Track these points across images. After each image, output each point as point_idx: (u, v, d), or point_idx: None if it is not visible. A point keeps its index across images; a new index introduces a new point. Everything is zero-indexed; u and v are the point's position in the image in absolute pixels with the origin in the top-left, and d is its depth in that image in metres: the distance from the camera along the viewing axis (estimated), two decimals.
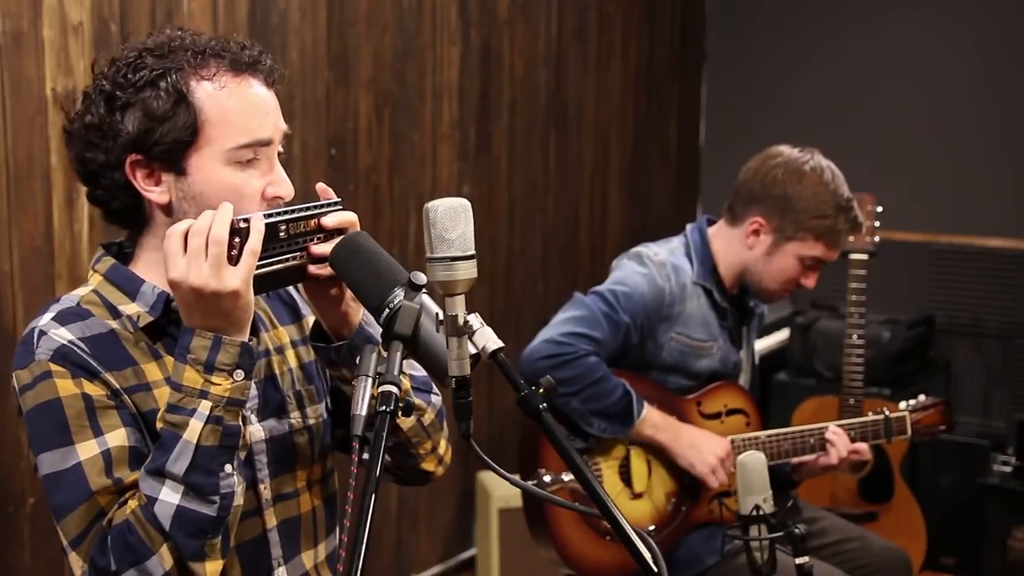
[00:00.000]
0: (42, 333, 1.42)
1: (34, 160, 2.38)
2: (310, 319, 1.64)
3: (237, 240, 1.34)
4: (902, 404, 2.70)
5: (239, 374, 1.37)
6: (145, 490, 1.35)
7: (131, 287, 1.48)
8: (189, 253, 1.33)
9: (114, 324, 1.45)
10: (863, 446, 2.57)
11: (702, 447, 2.43)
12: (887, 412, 2.65)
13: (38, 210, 2.41)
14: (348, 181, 3.22)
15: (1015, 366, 4.21)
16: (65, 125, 1.49)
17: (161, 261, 1.44)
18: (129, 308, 1.46)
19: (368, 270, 1.35)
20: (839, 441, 2.51)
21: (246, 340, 1.38)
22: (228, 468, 1.37)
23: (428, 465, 1.63)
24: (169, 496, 1.33)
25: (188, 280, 1.32)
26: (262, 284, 1.39)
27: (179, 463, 1.33)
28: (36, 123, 2.37)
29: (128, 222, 1.51)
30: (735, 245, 2.53)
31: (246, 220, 1.35)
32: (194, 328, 1.36)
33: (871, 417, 2.64)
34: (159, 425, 1.37)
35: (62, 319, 1.44)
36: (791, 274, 2.50)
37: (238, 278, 1.33)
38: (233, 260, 1.33)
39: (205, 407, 1.34)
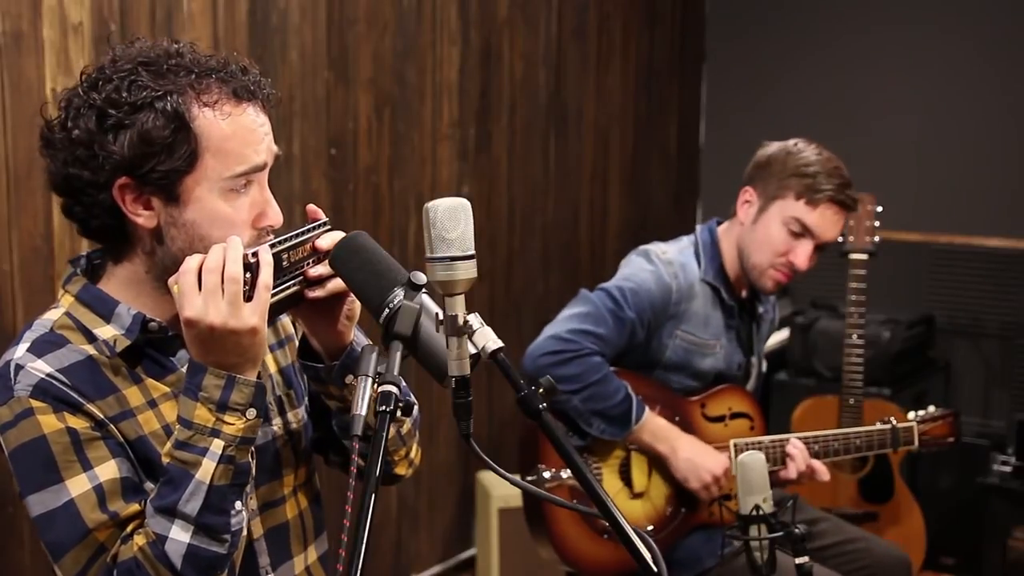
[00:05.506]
0: (19, 367, 1.37)
1: (34, 160, 2.38)
2: (285, 322, 1.64)
3: (248, 275, 1.32)
4: (911, 414, 2.67)
5: (251, 413, 1.35)
6: (154, 528, 1.32)
7: (105, 309, 1.43)
8: (205, 291, 1.30)
9: (90, 349, 1.41)
10: (820, 466, 2.47)
11: (698, 463, 2.41)
12: (894, 422, 2.61)
13: (38, 210, 2.41)
14: (348, 181, 3.22)
15: (1015, 366, 4.21)
16: (43, 131, 1.42)
17: (141, 283, 1.44)
18: (104, 331, 1.42)
19: (368, 270, 1.35)
20: (799, 455, 2.45)
21: (259, 379, 1.36)
22: (238, 505, 1.36)
23: (400, 469, 1.64)
24: (180, 535, 1.31)
25: (207, 318, 1.30)
26: (269, 315, 1.38)
27: (192, 503, 1.31)
28: (36, 123, 2.33)
29: (105, 240, 1.46)
30: (735, 233, 2.53)
31: (255, 254, 1.34)
32: (207, 366, 1.33)
33: (878, 427, 2.61)
34: (166, 460, 1.34)
35: (38, 350, 1.39)
36: (776, 241, 2.43)
37: (256, 314, 1.32)
38: (246, 296, 1.32)
39: (218, 446, 1.32)
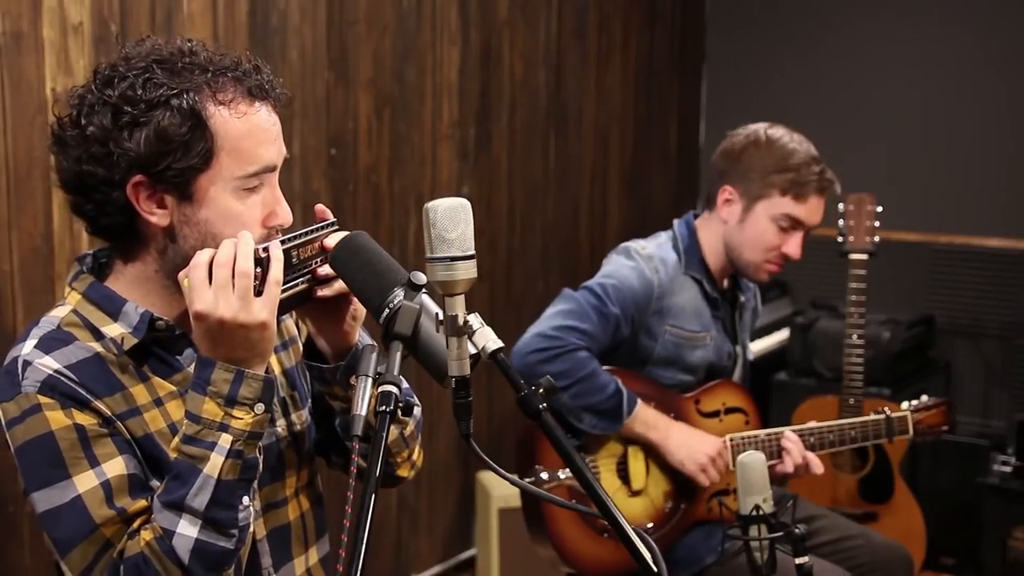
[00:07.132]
0: (27, 363, 1.37)
1: (34, 160, 2.38)
2: (288, 324, 1.64)
3: (258, 270, 1.33)
4: (904, 404, 2.68)
5: (260, 407, 1.35)
6: (162, 522, 1.32)
7: (112, 307, 1.43)
8: (215, 285, 1.31)
9: (98, 347, 1.41)
10: (814, 458, 2.47)
11: (693, 446, 2.43)
12: (888, 412, 2.63)
13: (38, 210, 2.41)
14: (348, 181, 3.22)
15: (1015, 366, 4.21)
16: (54, 128, 1.41)
17: (150, 281, 1.44)
18: (112, 330, 1.42)
19: (368, 270, 1.35)
20: (794, 448, 2.45)
21: (267, 374, 1.37)
22: (245, 500, 1.36)
23: (403, 471, 1.64)
24: (187, 530, 1.31)
25: (217, 312, 1.30)
26: (277, 311, 1.38)
27: (200, 498, 1.31)
28: (36, 123, 2.36)
29: (112, 238, 1.46)
30: (715, 226, 2.54)
31: (266, 249, 1.34)
32: (215, 360, 1.33)
33: (872, 417, 2.62)
34: (173, 455, 1.34)
35: (45, 346, 1.39)
36: (768, 239, 2.46)
37: (266, 309, 1.32)
38: (256, 291, 1.32)
39: (226, 440, 1.33)
